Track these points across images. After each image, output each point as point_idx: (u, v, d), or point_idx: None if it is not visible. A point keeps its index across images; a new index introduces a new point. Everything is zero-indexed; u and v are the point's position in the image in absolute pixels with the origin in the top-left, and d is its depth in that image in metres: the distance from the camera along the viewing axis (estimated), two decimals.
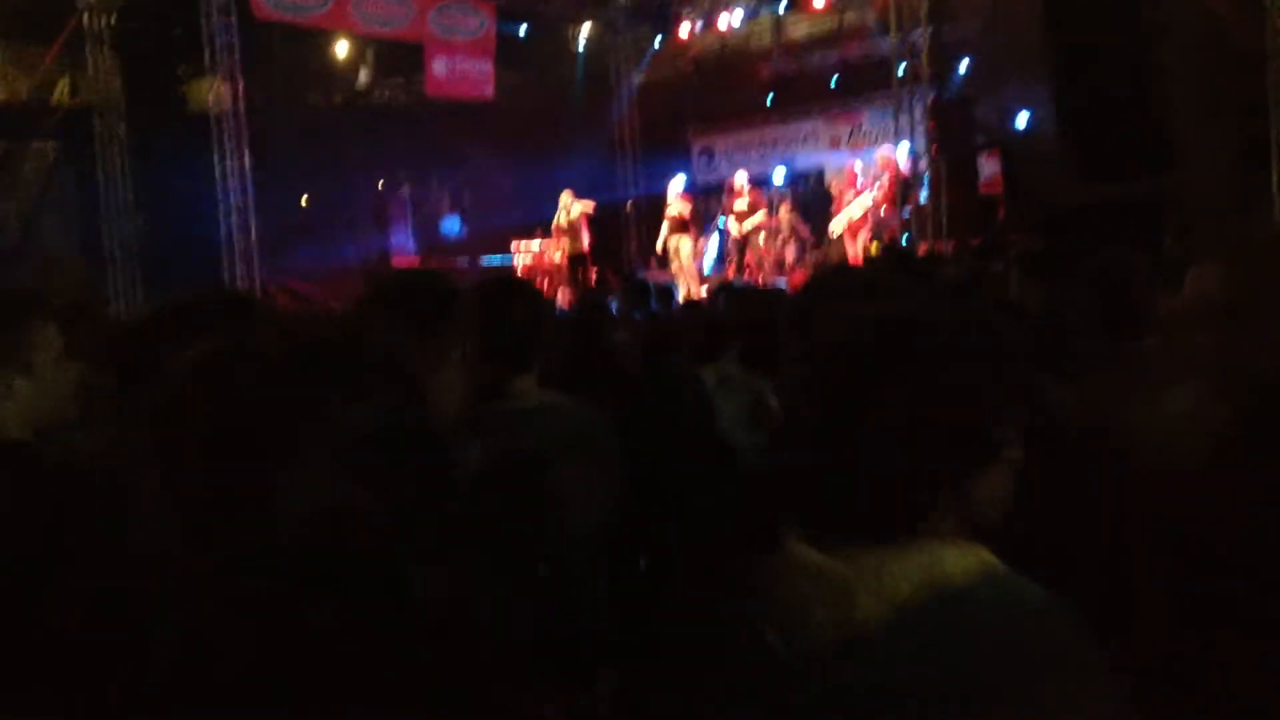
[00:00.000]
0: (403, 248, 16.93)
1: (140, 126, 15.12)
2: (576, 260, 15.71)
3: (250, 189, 14.69)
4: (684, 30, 18.70)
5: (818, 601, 1.15)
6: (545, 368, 2.67)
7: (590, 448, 2.51)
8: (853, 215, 14.50)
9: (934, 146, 14.02)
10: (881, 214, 14.45)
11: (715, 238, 16.86)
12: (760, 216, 15.39)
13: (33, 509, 1.54)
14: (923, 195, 14.09)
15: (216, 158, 14.63)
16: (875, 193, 14.39)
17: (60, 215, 17.05)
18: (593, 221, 16.06)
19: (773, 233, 15.84)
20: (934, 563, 1.14)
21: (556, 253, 15.89)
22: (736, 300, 4.59)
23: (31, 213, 16.89)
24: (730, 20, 18.27)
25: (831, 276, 1.87)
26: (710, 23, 18.44)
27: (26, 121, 16.14)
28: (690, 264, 15.20)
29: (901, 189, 14.23)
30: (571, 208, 15.54)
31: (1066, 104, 11.40)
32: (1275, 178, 11.58)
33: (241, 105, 14.67)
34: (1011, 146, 14.67)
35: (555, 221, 15.75)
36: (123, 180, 15.17)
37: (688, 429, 3.51)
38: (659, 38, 19.20)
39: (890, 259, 12.41)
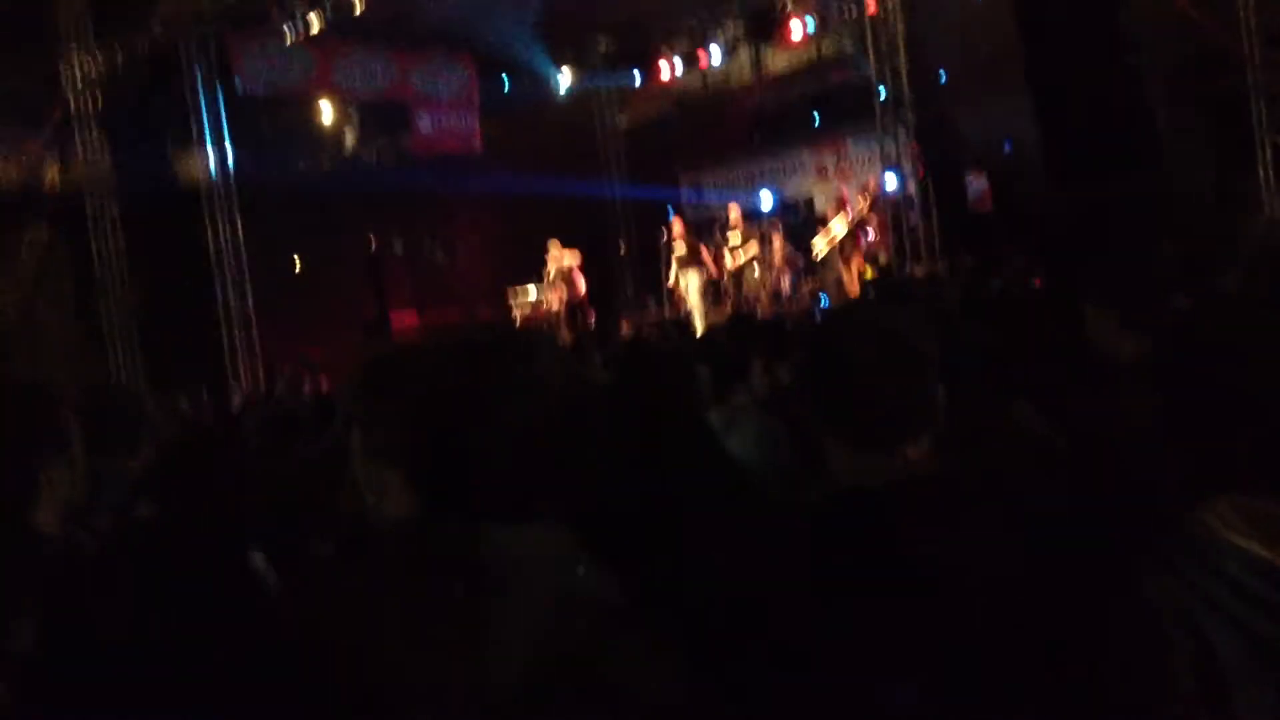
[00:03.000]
0: (400, 304, 16.98)
1: (132, 204, 15.23)
2: (574, 308, 15.78)
3: (244, 257, 14.77)
4: (664, 70, 18.85)
5: None
6: None
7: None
8: (834, 234, 14.65)
9: (920, 169, 14.12)
10: (871, 238, 14.53)
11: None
12: (754, 249, 15.48)
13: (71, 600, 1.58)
14: (914, 217, 14.17)
15: (209, 230, 14.73)
16: (852, 215, 14.53)
17: (57, 297, 17.12)
18: (587, 266, 16.15)
19: (767, 264, 15.92)
20: None
21: (555, 301, 15.97)
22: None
23: (28, 297, 16.96)
24: (709, 57, 18.43)
25: (841, 315, 1.93)
26: (690, 61, 18.59)
27: (20, 208, 16.24)
28: (698, 299, 15.28)
29: (890, 212, 14.31)
30: (562, 258, 15.68)
31: (1047, 114, 11.47)
32: (1262, 174, 11.67)
33: (230, 175, 14.79)
34: (997, 162, 14.77)
35: (546, 273, 15.86)
36: (117, 259, 15.26)
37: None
38: (639, 78, 19.33)
39: (886, 285, 12.48)
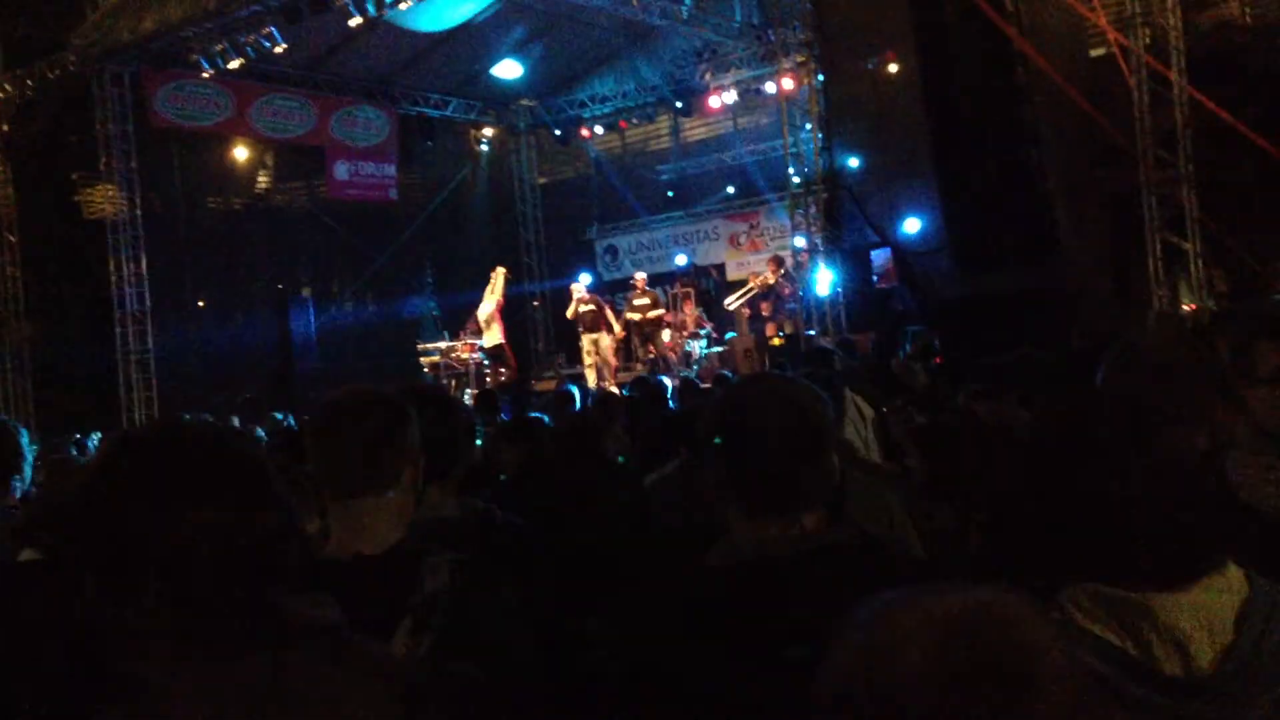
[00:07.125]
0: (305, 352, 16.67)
1: (33, 234, 14.82)
2: (493, 352, 15.53)
3: (148, 295, 14.45)
4: (584, 132, 19.07)
5: (1198, 631, 1.37)
6: (465, 475, 2.70)
7: (518, 555, 2.55)
8: (740, 300, 15.05)
9: (829, 243, 14.47)
10: (772, 308, 14.82)
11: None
12: (658, 312, 15.68)
13: None
14: (820, 288, 14.49)
15: (112, 264, 14.39)
16: (759, 284, 14.88)
17: None
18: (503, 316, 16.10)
19: (677, 327, 16.10)
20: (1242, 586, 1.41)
21: (465, 352, 15.82)
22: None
23: None
24: (629, 123, 18.72)
25: (742, 386, 1.99)
26: (610, 125, 18.85)
27: None
28: (610, 359, 15.36)
29: (794, 284, 14.65)
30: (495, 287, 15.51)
31: (951, 201, 11.85)
32: (1151, 268, 12.18)
33: (138, 211, 14.51)
34: (902, 241, 15.17)
35: (480, 313, 15.63)
36: (13, 288, 14.80)
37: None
38: (560, 139, 19.50)
39: (791, 354, 12.70)
